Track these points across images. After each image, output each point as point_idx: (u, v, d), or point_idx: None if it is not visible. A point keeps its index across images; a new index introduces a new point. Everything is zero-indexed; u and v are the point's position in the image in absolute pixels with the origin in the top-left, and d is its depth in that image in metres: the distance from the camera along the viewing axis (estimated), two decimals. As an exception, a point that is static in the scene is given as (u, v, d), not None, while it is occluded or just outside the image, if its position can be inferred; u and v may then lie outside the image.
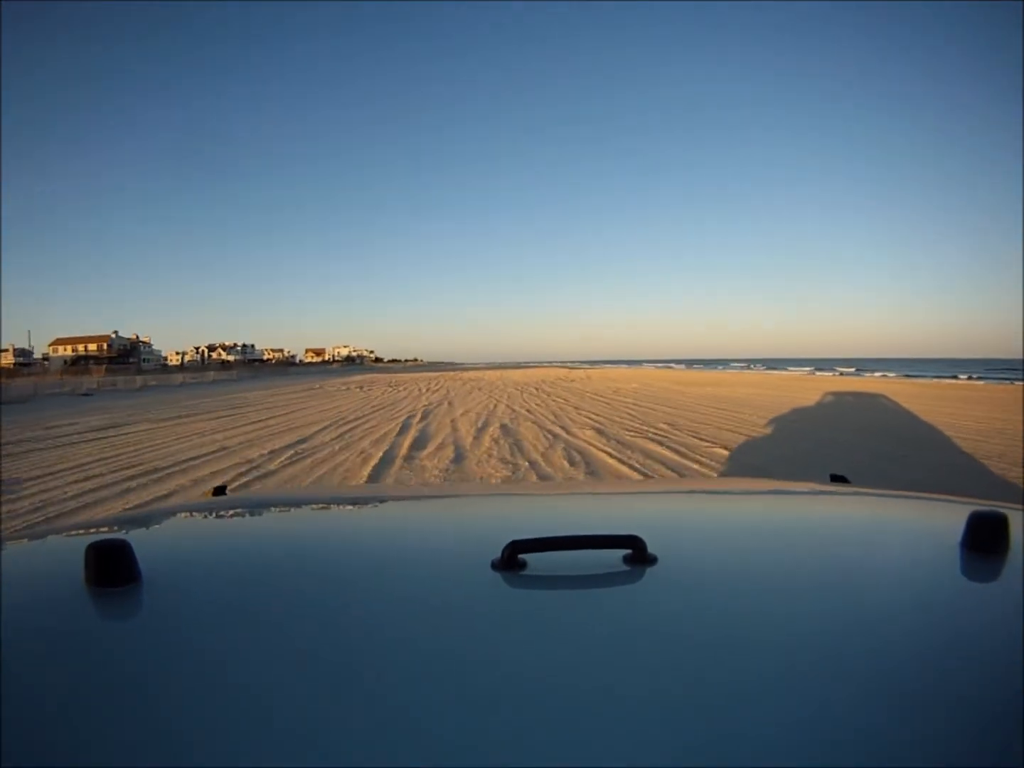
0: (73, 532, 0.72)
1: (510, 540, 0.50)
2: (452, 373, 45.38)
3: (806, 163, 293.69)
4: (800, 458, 6.12)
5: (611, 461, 6.03)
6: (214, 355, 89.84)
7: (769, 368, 55.65)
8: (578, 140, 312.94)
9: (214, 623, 0.44)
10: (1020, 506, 0.69)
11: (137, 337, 74.89)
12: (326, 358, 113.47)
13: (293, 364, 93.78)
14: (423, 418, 10.67)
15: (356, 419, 10.85)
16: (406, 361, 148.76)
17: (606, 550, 0.50)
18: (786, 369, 50.33)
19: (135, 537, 0.60)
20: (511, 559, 0.49)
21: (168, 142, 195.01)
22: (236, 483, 5.31)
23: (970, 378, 30.02)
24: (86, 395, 22.66)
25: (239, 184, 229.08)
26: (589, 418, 10.23)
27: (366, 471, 5.74)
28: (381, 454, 6.72)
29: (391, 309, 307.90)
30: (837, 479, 1.02)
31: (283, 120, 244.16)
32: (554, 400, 14.74)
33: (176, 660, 0.39)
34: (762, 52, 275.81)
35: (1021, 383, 21.09)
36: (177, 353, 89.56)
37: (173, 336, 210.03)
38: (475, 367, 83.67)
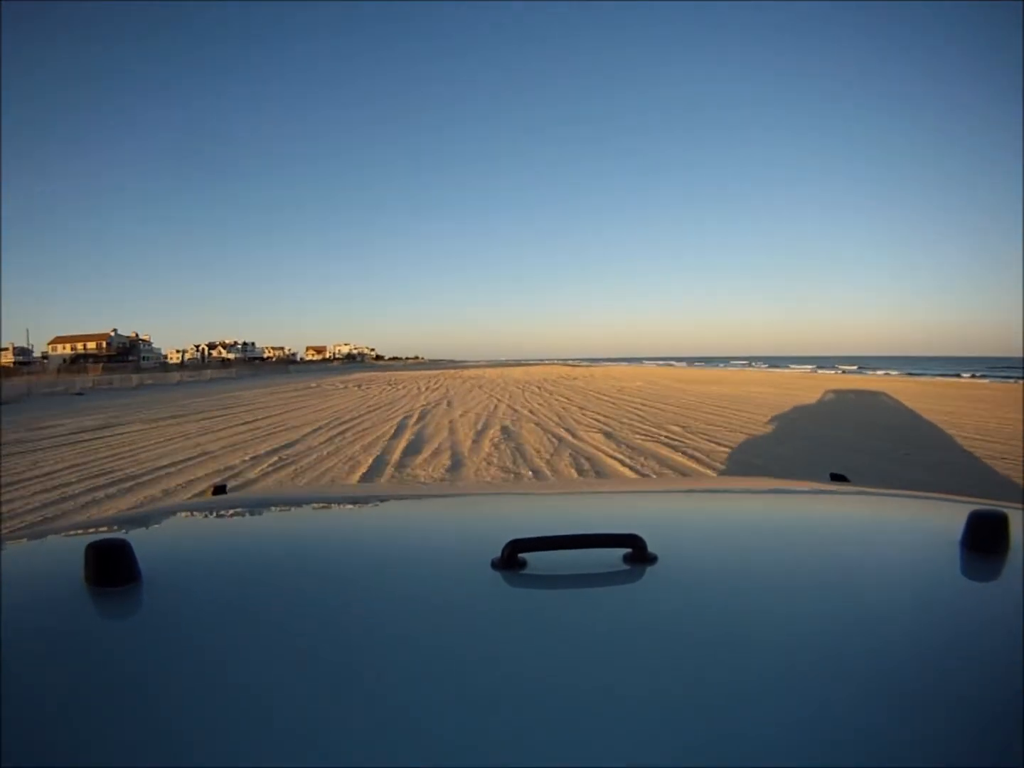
0: (73, 531, 0.71)
1: (510, 539, 0.50)
2: (453, 371, 44.92)
3: (806, 163, 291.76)
4: (824, 467, 5.59)
5: (623, 470, 5.54)
6: (214, 353, 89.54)
7: (771, 366, 55.48)
8: (578, 140, 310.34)
9: (214, 623, 0.43)
10: (1020, 505, 0.68)
11: (136, 335, 74.57)
12: (327, 356, 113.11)
13: (293, 362, 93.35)
14: (420, 419, 10.18)
15: (349, 420, 10.38)
16: (407, 359, 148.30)
17: (606, 549, 0.50)
18: (788, 367, 50.18)
19: (135, 536, 0.60)
20: (511, 558, 0.49)
21: (168, 142, 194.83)
22: (206, 496, 4.78)
23: (973, 376, 29.89)
24: (79, 394, 22.48)
25: (239, 184, 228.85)
26: (595, 419, 9.72)
27: (352, 481, 5.26)
28: (371, 460, 6.24)
29: (392, 307, 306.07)
30: (837, 478, 1.01)
31: (283, 120, 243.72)
32: (557, 399, 14.23)
33: (176, 660, 0.38)
34: (762, 52, 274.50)
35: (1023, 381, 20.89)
36: (178, 351, 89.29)
37: (174, 335, 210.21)
38: (476, 365, 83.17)
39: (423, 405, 13.21)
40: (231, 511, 0.83)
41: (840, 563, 0.55)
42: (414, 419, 10.23)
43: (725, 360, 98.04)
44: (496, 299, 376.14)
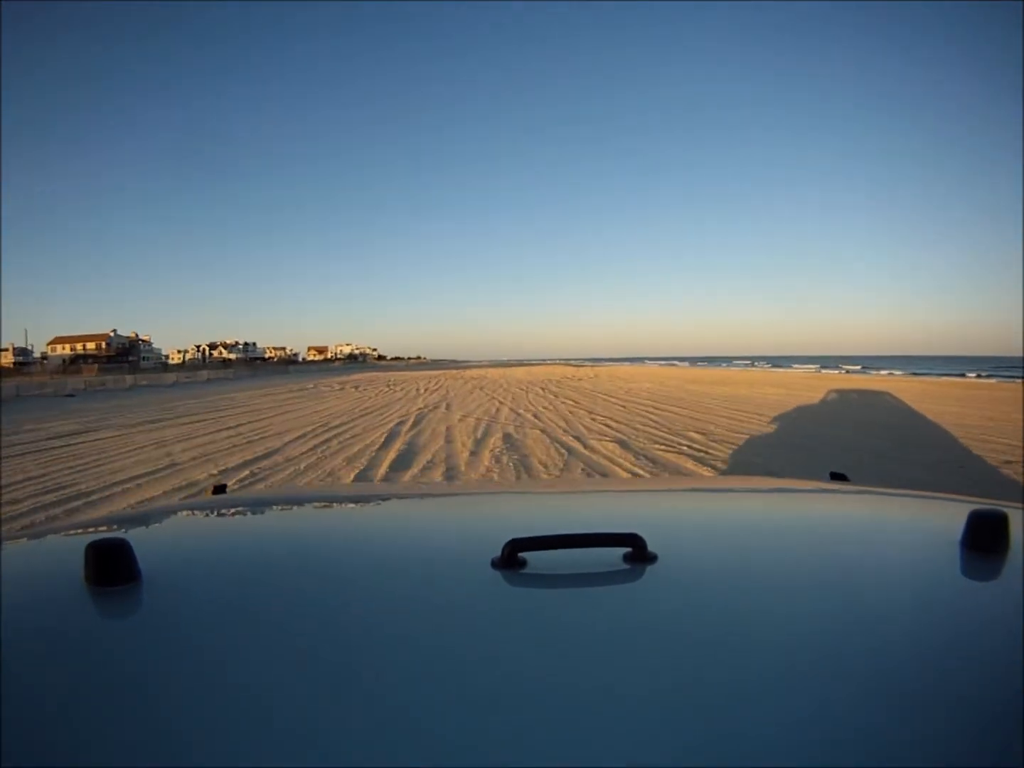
0: (73, 531, 0.71)
1: (510, 538, 0.50)
2: (454, 371, 44.14)
3: (806, 163, 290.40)
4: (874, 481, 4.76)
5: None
6: (215, 354, 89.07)
7: (774, 366, 54.98)
8: (578, 140, 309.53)
9: (214, 622, 0.43)
10: (1020, 505, 0.68)
11: (136, 336, 74.04)
12: (328, 356, 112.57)
13: (294, 362, 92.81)
14: (414, 425, 9.37)
15: (339, 425, 9.60)
16: (409, 359, 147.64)
17: (606, 548, 0.50)
18: (791, 367, 49.84)
19: (135, 536, 0.59)
20: (511, 557, 0.49)
21: (168, 142, 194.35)
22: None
23: (979, 376, 29.50)
24: (70, 396, 22.26)
25: (240, 183, 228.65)
26: (607, 425, 8.89)
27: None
28: (352, 477, 5.46)
29: (394, 308, 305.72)
30: (837, 477, 1.01)
31: (284, 120, 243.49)
32: (563, 402, 13.41)
33: (176, 659, 0.38)
34: (762, 52, 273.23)
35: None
36: (179, 352, 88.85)
37: (176, 335, 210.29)
38: (478, 365, 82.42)
39: (420, 408, 12.41)
40: (231, 511, 0.83)
41: (840, 563, 0.55)
42: (408, 425, 9.42)
43: (727, 360, 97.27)
44: (497, 299, 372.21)
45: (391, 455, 6.58)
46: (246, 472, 5.76)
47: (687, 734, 0.31)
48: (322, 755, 0.29)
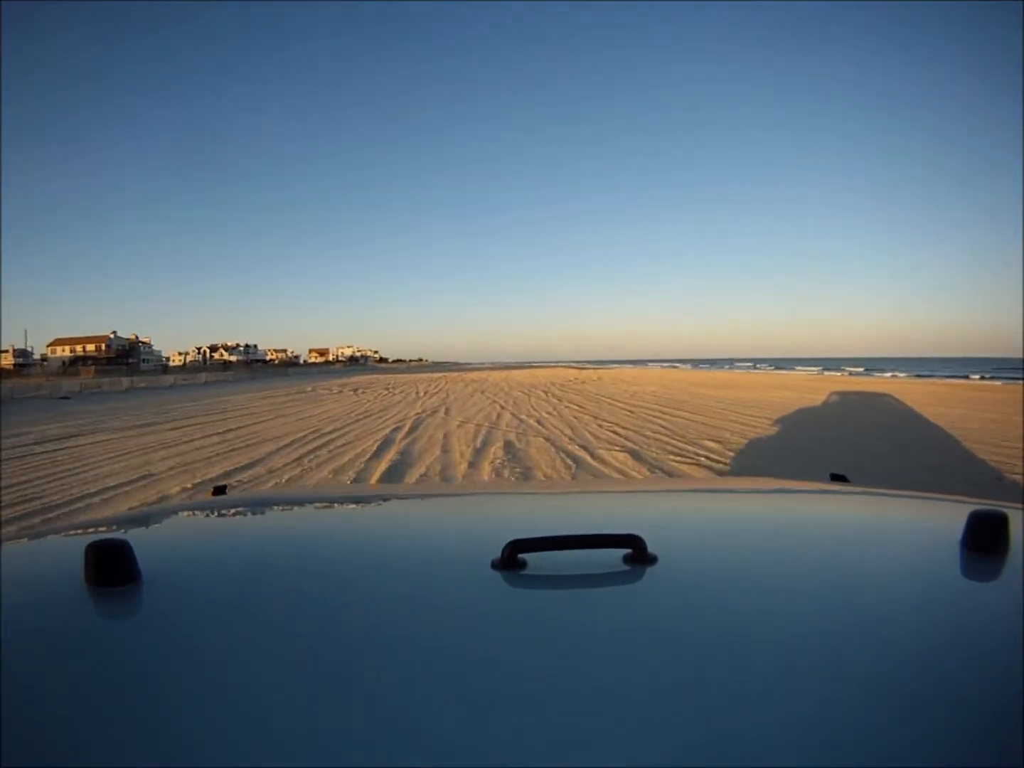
0: (73, 531, 0.71)
1: (510, 539, 0.49)
2: (455, 374, 43.65)
3: (806, 163, 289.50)
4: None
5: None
6: (216, 356, 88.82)
7: (776, 368, 54.52)
8: (579, 140, 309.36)
9: (214, 623, 0.43)
10: (1020, 505, 0.68)
11: (136, 337, 73.79)
12: (329, 358, 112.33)
13: (295, 364, 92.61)
14: (410, 432, 8.85)
15: (331, 431, 9.10)
16: (410, 361, 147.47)
17: (606, 549, 0.50)
18: (793, 369, 49.50)
19: (135, 536, 0.59)
20: (511, 558, 0.49)
21: (168, 142, 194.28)
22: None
23: (982, 378, 29.36)
24: (65, 398, 22.09)
25: (240, 184, 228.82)
26: (615, 432, 8.35)
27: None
28: (338, 493, 4.91)
29: (396, 310, 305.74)
30: (837, 478, 1.01)
31: (284, 120, 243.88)
32: (567, 407, 12.87)
33: (176, 660, 0.38)
34: (762, 52, 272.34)
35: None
36: (179, 354, 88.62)
37: (178, 337, 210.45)
38: (479, 367, 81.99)
39: (418, 413, 11.89)
40: (231, 511, 0.83)
41: (840, 563, 0.55)
42: (404, 431, 8.90)
43: (729, 362, 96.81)
44: (499, 301, 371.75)
45: (382, 466, 6.08)
46: (223, 485, 5.25)
47: (687, 735, 0.31)
48: (322, 755, 0.29)
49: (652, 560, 0.50)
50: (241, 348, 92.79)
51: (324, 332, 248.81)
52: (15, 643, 0.40)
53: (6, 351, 66.29)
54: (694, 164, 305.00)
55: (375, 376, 40.87)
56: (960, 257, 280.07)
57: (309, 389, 23.30)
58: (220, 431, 9.70)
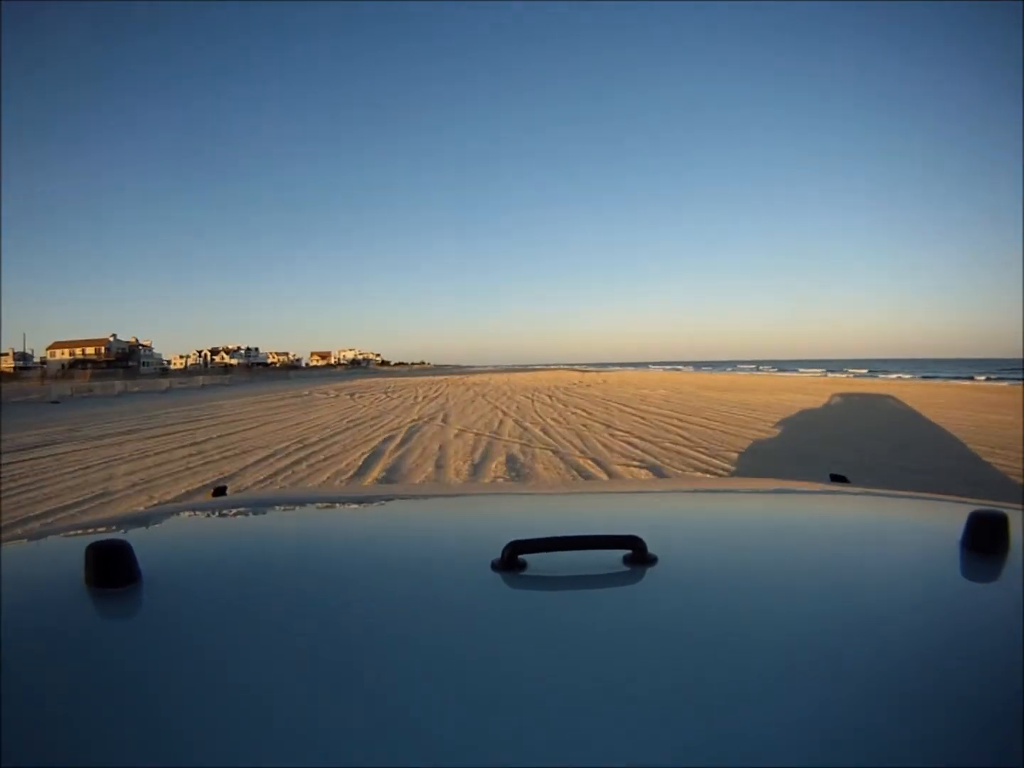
0: (73, 532, 0.71)
1: (510, 540, 0.49)
2: (457, 377, 42.90)
3: (806, 163, 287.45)
4: None
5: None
6: (217, 359, 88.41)
7: (779, 370, 53.91)
8: (579, 141, 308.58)
9: (214, 623, 0.43)
10: (1020, 506, 0.68)
11: (136, 340, 73.35)
12: (331, 361, 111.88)
13: (296, 368, 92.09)
14: (404, 442, 8.05)
15: (318, 442, 8.32)
16: (412, 364, 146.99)
17: (606, 550, 0.50)
18: (796, 371, 48.96)
19: (135, 537, 0.59)
20: (511, 559, 0.49)
21: (169, 142, 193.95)
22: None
23: (988, 379, 29.19)
24: (55, 403, 21.66)
25: (241, 185, 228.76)
26: (629, 443, 7.52)
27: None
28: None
29: (399, 313, 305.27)
30: (837, 479, 1.01)
31: (285, 121, 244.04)
32: (573, 412, 12.05)
33: (176, 660, 0.38)
34: (762, 52, 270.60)
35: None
36: (181, 357, 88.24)
37: (179, 340, 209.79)
38: (482, 370, 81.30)
39: (414, 420, 11.10)
40: (231, 512, 0.82)
41: (840, 564, 0.54)
42: (396, 442, 8.10)
43: (731, 364, 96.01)
44: (500, 304, 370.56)
45: (366, 483, 5.29)
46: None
47: (687, 735, 0.31)
48: (322, 756, 0.29)
49: (652, 561, 0.50)
50: (242, 351, 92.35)
51: (326, 335, 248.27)
52: (15, 644, 0.40)
53: (6, 354, 66.02)
54: (694, 164, 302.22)
55: (375, 380, 40.16)
56: (961, 257, 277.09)
57: (306, 393, 22.64)
58: (199, 440, 9.05)
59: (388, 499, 0.96)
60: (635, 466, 5.94)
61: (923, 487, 4.97)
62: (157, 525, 0.78)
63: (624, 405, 13.77)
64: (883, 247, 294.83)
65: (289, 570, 0.53)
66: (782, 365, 70.89)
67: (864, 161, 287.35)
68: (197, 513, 0.82)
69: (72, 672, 0.37)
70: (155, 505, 4.53)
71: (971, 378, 30.61)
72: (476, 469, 5.91)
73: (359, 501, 0.96)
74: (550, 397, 17.17)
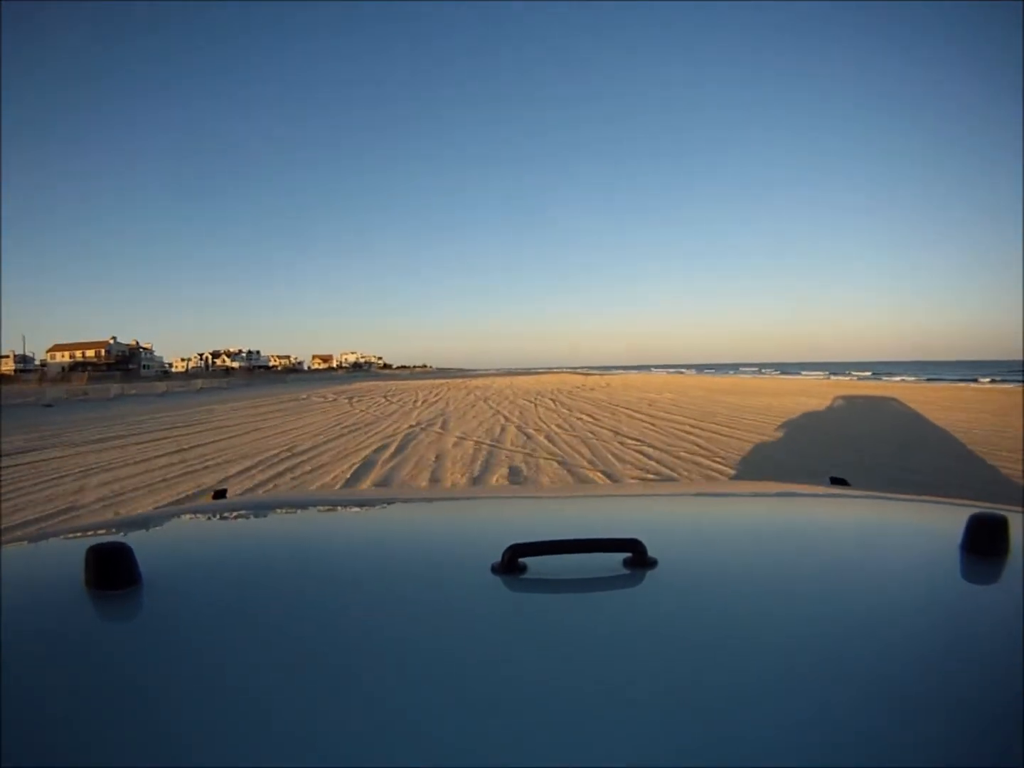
0: (73, 535, 0.70)
1: (510, 543, 0.49)
2: (458, 380, 42.34)
3: (806, 163, 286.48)
4: None
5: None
6: (218, 362, 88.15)
7: (782, 373, 53.35)
8: (579, 144, 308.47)
9: (214, 626, 0.43)
10: (1020, 508, 0.68)
11: (137, 343, 73.05)
12: (333, 365, 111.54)
13: (296, 371, 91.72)
14: (398, 451, 7.50)
15: (308, 450, 7.80)
16: (414, 368, 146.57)
17: (606, 553, 0.50)
18: (799, 374, 48.37)
19: (135, 540, 0.59)
20: (511, 563, 0.49)
21: (170, 143, 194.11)
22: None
23: (992, 381, 28.67)
24: (48, 406, 21.25)
25: (242, 187, 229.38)
26: (642, 453, 6.96)
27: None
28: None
29: (401, 316, 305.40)
30: (837, 482, 1.01)
31: (288, 124, 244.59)
32: (578, 418, 11.50)
33: (176, 663, 0.38)
34: (762, 52, 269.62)
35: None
36: (183, 360, 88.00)
37: (182, 343, 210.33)
38: (483, 373, 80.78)
39: (411, 426, 10.56)
40: (231, 515, 0.82)
41: (840, 566, 0.54)
42: (390, 451, 7.55)
43: (733, 367, 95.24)
44: (502, 307, 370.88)
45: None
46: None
47: (687, 737, 0.31)
48: (322, 759, 0.29)
49: (652, 564, 0.50)
50: (244, 354, 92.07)
51: (328, 338, 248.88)
52: (16, 646, 0.40)
53: (7, 356, 65.81)
54: (693, 165, 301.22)
55: (376, 383, 39.68)
56: (961, 258, 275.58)
57: (303, 397, 22.19)
58: (184, 447, 8.58)
59: (389, 502, 0.95)
60: (651, 478, 5.39)
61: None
62: (158, 528, 0.78)
63: (631, 410, 13.19)
64: (883, 248, 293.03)
65: (289, 573, 0.53)
66: (784, 368, 70.54)
67: (864, 161, 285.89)
68: (198, 516, 0.82)
69: (72, 674, 0.37)
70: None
71: (975, 380, 30.20)
72: (475, 483, 5.37)
73: (360, 504, 0.95)
74: (554, 401, 16.61)
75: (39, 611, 0.45)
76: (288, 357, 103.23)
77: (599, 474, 5.64)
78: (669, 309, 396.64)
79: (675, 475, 5.55)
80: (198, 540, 0.71)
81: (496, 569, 0.49)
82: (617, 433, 8.89)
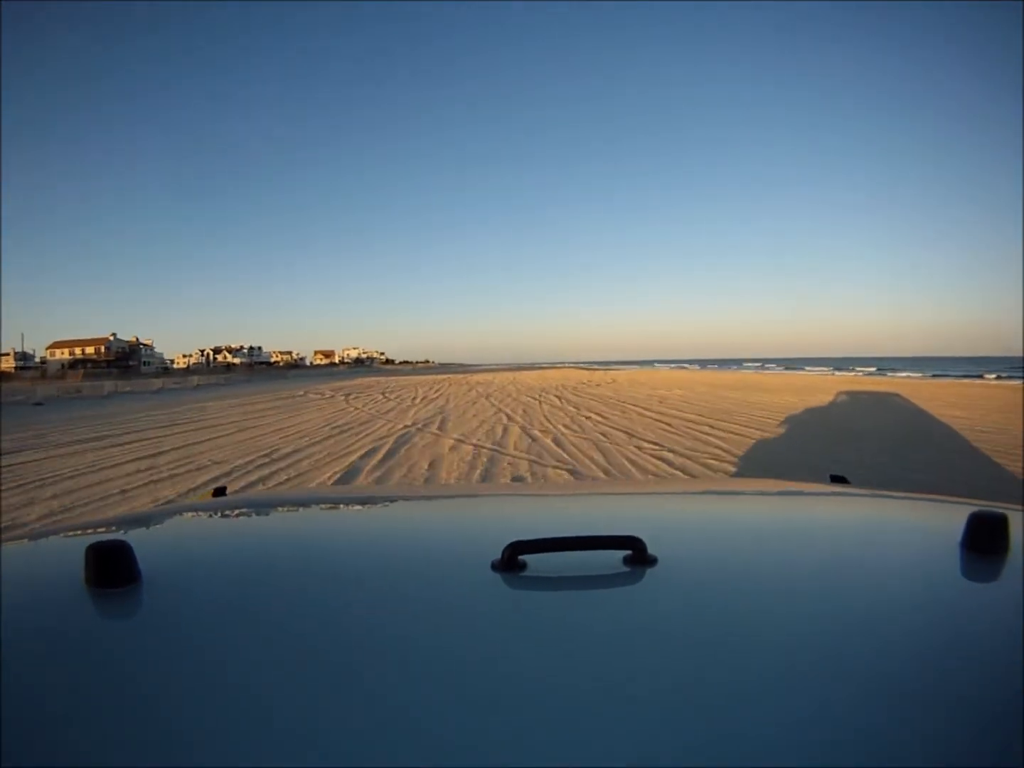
0: (73, 532, 0.70)
1: (510, 541, 0.49)
2: (460, 376, 41.63)
3: (806, 160, 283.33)
4: None
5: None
6: (220, 358, 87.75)
7: (786, 368, 52.59)
8: (580, 140, 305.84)
9: (214, 623, 0.44)
10: (1020, 506, 0.68)
11: (137, 340, 72.54)
12: (335, 360, 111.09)
13: (297, 367, 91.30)
14: (388, 456, 6.78)
15: (289, 454, 7.10)
16: (417, 363, 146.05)
17: (606, 551, 0.50)
18: (803, 369, 47.78)
19: (135, 537, 0.59)
20: (511, 560, 0.49)
21: (170, 142, 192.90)
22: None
23: (998, 377, 28.45)
24: (39, 404, 20.78)
25: (243, 184, 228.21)
26: (660, 458, 6.20)
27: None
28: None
29: (404, 311, 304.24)
30: (837, 479, 1.01)
31: (289, 121, 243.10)
32: (586, 417, 10.74)
33: (176, 660, 0.39)
34: (762, 52, 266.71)
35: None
36: (184, 356, 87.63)
37: (184, 339, 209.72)
38: (486, 369, 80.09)
39: (406, 426, 9.83)
40: (231, 512, 0.82)
41: (840, 564, 0.54)
42: (380, 455, 6.83)
43: (736, 362, 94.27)
44: (505, 303, 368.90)
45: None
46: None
47: (688, 735, 0.31)
48: (322, 756, 0.30)
49: (652, 561, 0.50)
50: (245, 350, 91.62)
51: (331, 334, 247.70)
52: (15, 644, 0.40)
53: (7, 354, 65.48)
54: (695, 162, 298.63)
55: (376, 379, 39.00)
56: (963, 255, 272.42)
57: (300, 393, 21.54)
58: (163, 450, 7.98)
59: (388, 499, 0.95)
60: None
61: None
62: (157, 525, 0.78)
63: (642, 408, 12.42)
64: (884, 244, 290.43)
65: (289, 570, 0.53)
66: (787, 363, 69.80)
67: (864, 159, 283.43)
68: (197, 513, 0.82)
69: (72, 672, 0.37)
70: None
71: (980, 376, 29.80)
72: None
73: (359, 502, 0.96)
74: (559, 398, 15.86)
75: (39, 609, 0.45)
76: (290, 353, 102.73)
77: (616, 486, 4.91)
78: (671, 305, 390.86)
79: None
80: (198, 537, 0.71)
81: (496, 566, 0.49)
82: (631, 435, 8.11)
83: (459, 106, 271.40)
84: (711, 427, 8.78)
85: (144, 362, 69.83)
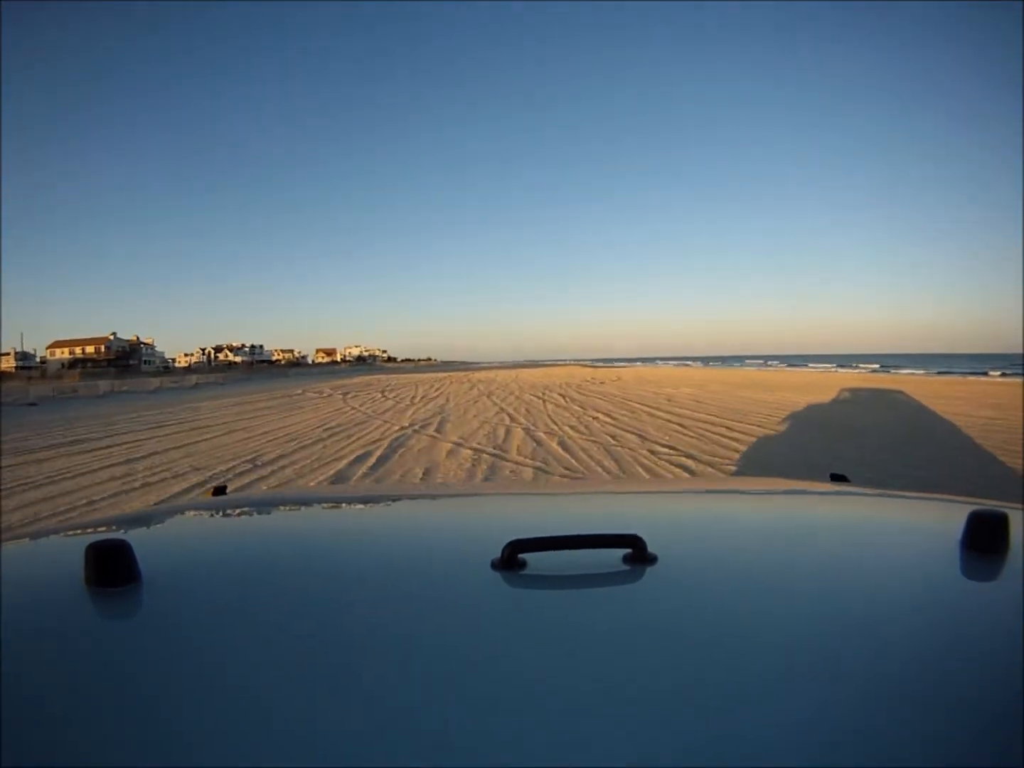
0: (73, 532, 0.70)
1: (510, 540, 0.50)
2: (462, 373, 41.10)
3: (807, 158, 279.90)
4: None
5: None
6: (221, 356, 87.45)
7: (789, 365, 52.30)
8: (583, 139, 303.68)
9: (214, 623, 0.44)
10: (1020, 506, 0.68)
11: (137, 339, 72.19)
12: (337, 358, 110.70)
13: (299, 365, 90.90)
14: (381, 462, 6.25)
15: (274, 460, 6.60)
16: (419, 361, 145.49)
17: (606, 549, 0.50)
18: (807, 366, 47.19)
19: (135, 537, 0.60)
20: (511, 559, 0.49)
21: (170, 141, 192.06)
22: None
23: (1004, 375, 28.05)
24: (32, 405, 20.37)
25: (244, 183, 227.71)
26: (681, 465, 5.66)
27: None
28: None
29: (406, 309, 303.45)
30: (837, 478, 1.01)
31: (289, 120, 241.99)
32: (593, 417, 10.20)
33: (176, 660, 0.39)
34: (762, 51, 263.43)
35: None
36: (185, 355, 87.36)
37: (186, 338, 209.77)
38: (488, 366, 79.56)
39: (404, 427, 9.31)
40: (231, 511, 0.82)
41: (840, 563, 0.54)
42: (372, 460, 6.30)
43: (739, 360, 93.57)
44: (507, 301, 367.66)
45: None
46: None
47: (688, 735, 0.31)
48: (322, 756, 0.30)
49: (652, 560, 0.50)
50: (247, 349, 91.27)
51: (333, 332, 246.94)
52: (15, 643, 0.40)
53: (7, 353, 65.23)
54: (696, 160, 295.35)
55: (376, 377, 38.50)
56: (963, 254, 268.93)
57: (298, 392, 21.08)
58: (144, 454, 7.56)
59: (388, 499, 0.96)
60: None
61: None
62: (157, 525, 0.78)
63: (652, 407, 11.85)
64: (884, 243, 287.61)
65: (289, 570, 0.53)
66: (790, 360, 69.43)
67: (864, 158, 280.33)
68: (197, 513, 0.82)
69: (72, 672, 0.37)
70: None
71: (985, 373, 29.29)
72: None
73: (359, 501, 0.94)
74: (563, 397, 15.31)
75: (39, 608, 0.45)
76: (292, 351, 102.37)
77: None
78: (672, 303, 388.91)
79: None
80: (198, 537, 0.71)
81: (496, 565, 0.49)
82: (643, 438, 7.55)
83: (459, 106, 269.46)
84: (728, 428, 8.23)
85: (145, 361, 69.49)
